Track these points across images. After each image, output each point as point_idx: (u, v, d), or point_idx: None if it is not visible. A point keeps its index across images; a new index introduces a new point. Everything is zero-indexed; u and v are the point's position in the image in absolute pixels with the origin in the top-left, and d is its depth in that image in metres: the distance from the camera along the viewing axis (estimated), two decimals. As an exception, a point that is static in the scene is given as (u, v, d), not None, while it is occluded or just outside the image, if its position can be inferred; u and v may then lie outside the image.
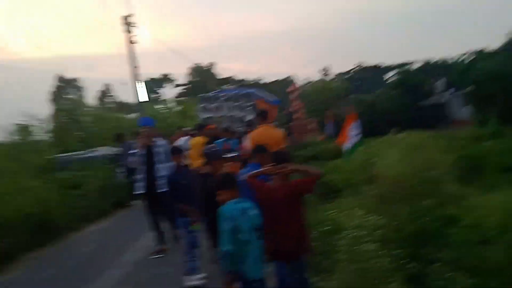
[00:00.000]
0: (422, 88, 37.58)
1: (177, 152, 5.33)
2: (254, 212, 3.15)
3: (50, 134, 17.84)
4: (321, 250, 3.85)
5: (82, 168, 11.58)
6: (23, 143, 14.17)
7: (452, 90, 36.60)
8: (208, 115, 15.35)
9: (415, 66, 55.95)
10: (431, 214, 4.11)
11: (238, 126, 13.75)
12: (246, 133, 10.25)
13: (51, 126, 18.32)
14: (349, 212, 4.13)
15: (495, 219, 3.75)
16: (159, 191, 6.04)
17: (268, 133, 6.06)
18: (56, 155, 13.45)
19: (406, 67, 54.01)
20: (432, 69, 50.06)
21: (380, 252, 3.10)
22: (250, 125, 11.83)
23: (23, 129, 16.14)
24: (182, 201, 4.82)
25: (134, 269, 5.84)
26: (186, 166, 5.47)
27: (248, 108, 15.16)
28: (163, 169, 6.08)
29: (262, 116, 6.49)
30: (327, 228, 4.08)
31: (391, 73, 62.66)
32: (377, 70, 66.53)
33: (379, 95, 39.49)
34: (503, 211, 3.91)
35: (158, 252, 6.24)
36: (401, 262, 3.14)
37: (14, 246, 6.57)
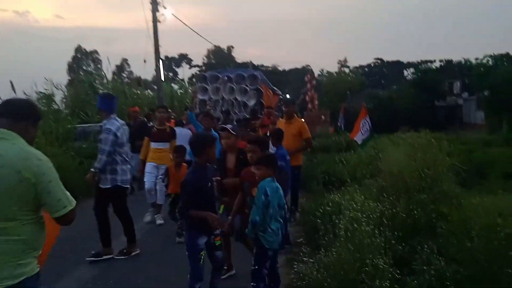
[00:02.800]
0: (439, 88, 37.46)
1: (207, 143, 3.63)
2: (281, 192, 3.63)
3: (70, 104, 18.37)
4: (322, 228, 4.33)
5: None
6: (45, 111, 14.69)
7: (468, 93, 36.47)
8: (205, 97, 13.53)
9: (435, 65, 55.42)
10: (424, 207, 4.55)
11: (239, 112, 12.46)
12: (246, 122, 9.55)
13: (70, 96, 18.88)
14: (351, 197, 4.59)
15: (482, 218, 4.17)
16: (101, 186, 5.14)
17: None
18: (74, 125, 13.94)
19: (426, 65, 53.66)
20: (451, 69, 49.71)
21: (375, 233, 3.57)
22: (253, 114, 11.03)
23: (46, 98, 16.76)
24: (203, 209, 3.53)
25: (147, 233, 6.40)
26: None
27: (252, 92, 13.33)
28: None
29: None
30: (328, 209, 4.55)
31: (409, 70, 62.38)
32: (396, 66, 66.17)
33: (395, 92, 39.50)
34: (491, 212, 4.33)
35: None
36: (392, 242, 3.58)
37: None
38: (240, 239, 4.39)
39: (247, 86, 13.17)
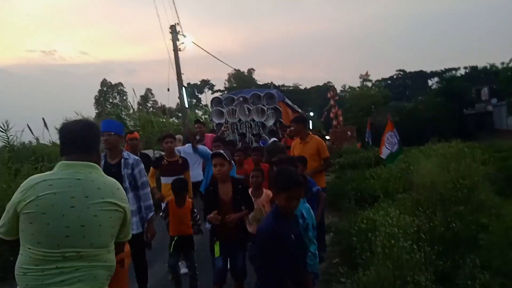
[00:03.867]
0: (466, 96, 36.68)
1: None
2: (312, 212, 3.48)
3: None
4: (358, 246, 4.24)
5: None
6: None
7: (497, 99, 35.51)
8: (221, 121, 12.84)
9: (460, 72, 54.41)
10: (463, 219, 4.40)
11: (260, 133, 11.34)
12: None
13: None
14: (385, 212, 4.49)
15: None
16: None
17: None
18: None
19: (451, 73, 52.74)
20: (477, 76, 48.65)
21: (413, 248, 3.47)
22: (273, 134, 10.16)
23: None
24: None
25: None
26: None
27: (270, 112, 12.69)
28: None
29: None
30: (363, 226, 4.46)
31: (434, 80, 61.36)
32: (420, 76, 65.23)
33: (421, 102, 38.90)
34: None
35: None
36: (433, 258, 3.47)
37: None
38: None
39: (264, 106, 12.69)
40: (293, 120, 6.27)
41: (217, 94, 64.53)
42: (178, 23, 18.42)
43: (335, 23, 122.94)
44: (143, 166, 4.32)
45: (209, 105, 15.26)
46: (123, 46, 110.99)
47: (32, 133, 12.72)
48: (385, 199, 6.31)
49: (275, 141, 8.38)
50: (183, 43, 18.49)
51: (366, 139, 21.22)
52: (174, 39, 18.26)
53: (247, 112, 12.83)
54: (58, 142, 9.78)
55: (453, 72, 54.32)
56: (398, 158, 7.85)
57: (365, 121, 25.29)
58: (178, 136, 10.44)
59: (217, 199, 3.85)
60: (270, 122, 12.52)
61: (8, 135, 10.93)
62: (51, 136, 13.67)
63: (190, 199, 5.00)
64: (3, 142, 10.94)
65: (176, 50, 18.39)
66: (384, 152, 7.75)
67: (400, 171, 8.14)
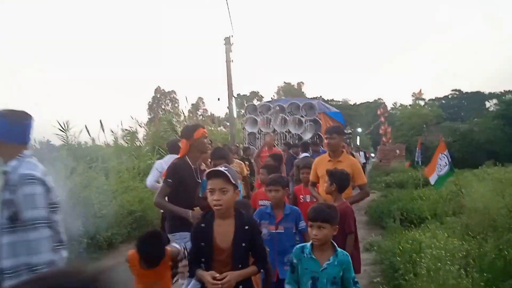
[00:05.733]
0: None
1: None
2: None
3: (150, 141, 19.59)
4: (401, 267, 4.13)
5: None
6: (128, 147, 15.75)
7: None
8: (254, 130, 11.98)
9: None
10: (516, 248, 4.17)
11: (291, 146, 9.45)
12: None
13: (151, 133, 20.14)
14: (433, 234, 4.35)
15: None
16: None
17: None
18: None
19: (510, 96, 50.10)
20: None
21: (461, 273, 3.34)
22: (306, 148, 8.61)
23: (131, 135, 18.04)
24: None
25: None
26: None
27: (308, 124, 11.47)
28: None
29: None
30: (408, 246, 4.34)
31: (492, 102, 58.53)
32: (476, 97, 62.48)
33: (476, 124, 37.19)
34: None
35: None
36: (481, 284, 3.32)
37: (116, 237, 7.44)
38: None
39: (302, 117, 11.55)
40: (332, 131, 4.74)
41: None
42: (232, 35, 18.92)
43: (388, 39, 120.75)
44: (41, 189, 2.37)
45: (244, 112, 13.93)
46: (179, 55, 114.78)
47: (89, 134, 13.43)
48: (432, 221, 6.10)
49: (306, 156, 7.41)
50: (234, 54, 18.95)
51: (416, 159, 20.60)
52: (227, 51, 18.71)
53: (283, 123, 11.79)
54: (112, 144, 10.25)
55: (513, 94, 51.60)
56: (446, 180, 7.56)
57: (415, 140, 24.52)
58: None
59: (212, 244, 2.53)
60: (308, 135, 11.29)
61: (68, 134, 11.62)
62: (107, 138, 14.38)
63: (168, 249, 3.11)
64: (63, 141, 11.63)
65: (228, 61, 18.84)
66: (433, 177, 7.47)
67: (451, 194, 7.84)
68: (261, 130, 11.85)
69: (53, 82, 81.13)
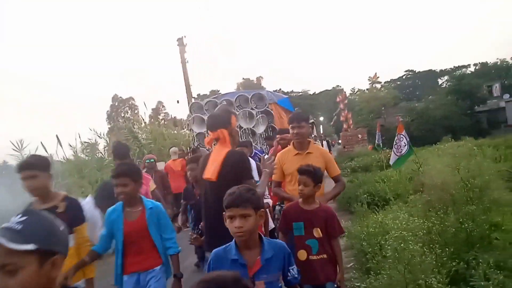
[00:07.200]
0: (477, 93, 36.34)
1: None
2: None
3: (111, 151, 19.07)
4: (369, 251, 4.23)
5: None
6: (89, 160, 15.27)
7: (509, 94, 35.09)
8: (202, 130, 11.00)
9: (470, 69, 54.03)
10: (475, 219, 4.36)
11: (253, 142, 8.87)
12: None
13: (111, 143, 19.64)
14: (395, 216, 4.47)
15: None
16: None
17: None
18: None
19: (461, 71, 52.29)
20: (488, 72, 48.17)
21: (424, 251, 3.45)
22: (270, 140, 8.16)
23: (90, 146, 17.52)
24: None
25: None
26: None
27: (259, 116, 10.84)
28: None
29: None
30: (373, 230, 4.45)
31: (444, 78, 60.89)
32: (429, 76, 64.80)
33: (431, 102, 38.64)
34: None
35: None
36: (444, 260, 3.45)
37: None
38: None
39: (252, 109, 10.95)
40: (301, 118, 3.98)
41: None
42: (185, 36, 18.76)
43: (342, 25, 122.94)
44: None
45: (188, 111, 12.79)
46: (135, 57, 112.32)
47: (46, 150, 12.91)
48: (396, 201, 6.28)
49: None
50: (188, 54, 18.82)
51: (377, 142, 21.18)
52: (182, 52, 18.57)
53: None
54: (72, 158, 9.82)
55: (463, 69, 53.87)
56: (407, 160, 7.81)
57: (375, 124, 25.18)
58: (173, 149, 9.97)
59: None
60: (261, 129, 10.70)
61: (23, 154, 11.13)
62: (65, 153, 13.87)
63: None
64: (18, 160, 11.14)
65: (183, 62, 18.70)
66: (392, 158, 7.71)
67: (411, 173, 8.09)
68: (208, 130, 11.10)
69: (3, 101, 77.71)
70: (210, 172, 3.12)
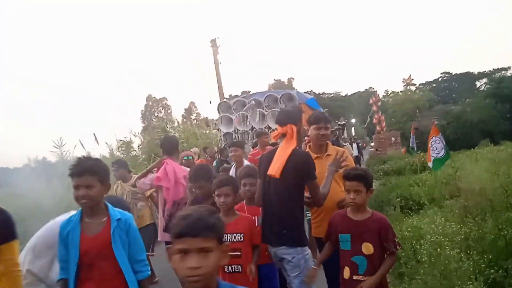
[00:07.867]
0: (518, 96, 34.88)
1: None
2: None
3: (146, 149, 19.56)
4: (403, 255, 4.17)
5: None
6: (124, 157, 15.68)
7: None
8: (229, 130, 10.83)
9: (510, 72, 51.95)
10: (515, 226, 4.21)
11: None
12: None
13: (145, 142, 20.12)
14: (431, 220, 4.38)
15: None
16: None
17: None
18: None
19: (500, 74, 50.38)
20: (530, 74, 46.22)
21: (461, 257, 3.37)
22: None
23: (125, 145, 18.02)
24: None
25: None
26: None
27: None
28: None
29: None
30: (408, 234, 4.38)
31: (482, 81, 58.80)
32: (467, 78, 62.76)
33: (468, 105, 37.45)
34: None
35: None
36: (482, 267, 3.36)
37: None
38: None
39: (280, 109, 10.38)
40: (325, 119, 3.64)
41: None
42: (218, 37, 18.98)
43: (376, 27, 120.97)
44: None
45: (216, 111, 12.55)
46: (168, 61, 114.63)
47: (84, 148, 13.39)
48: (431, 206, 6.14)
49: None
50: (221, 56, 18.99)
51: (411, 145, 20.74)
52: (215, 53, 18.80)
53: (261, 118, 10.66)
54: (108, 156, 10.18)
55: (503, 72, 51.85)
56: (444, 163, 7.60)
57: (409, 126, 24.65)
58: (194, 149, 9.56)
59: None
60: None
61: (62, 151, 11.58)
62: (102, 151, 14.34)
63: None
64: (58, 157, 11.60)
65: (216, 63, 18.93)
66: (430, 160, 7.52)
67: (447, 177, 7.89)
68: (237, 129, 10.76)
69: (43, 100, 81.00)
70: (275, 169, 3.06)
